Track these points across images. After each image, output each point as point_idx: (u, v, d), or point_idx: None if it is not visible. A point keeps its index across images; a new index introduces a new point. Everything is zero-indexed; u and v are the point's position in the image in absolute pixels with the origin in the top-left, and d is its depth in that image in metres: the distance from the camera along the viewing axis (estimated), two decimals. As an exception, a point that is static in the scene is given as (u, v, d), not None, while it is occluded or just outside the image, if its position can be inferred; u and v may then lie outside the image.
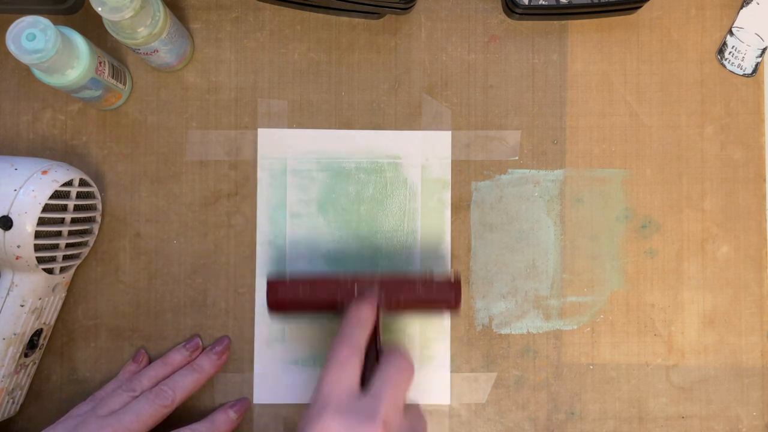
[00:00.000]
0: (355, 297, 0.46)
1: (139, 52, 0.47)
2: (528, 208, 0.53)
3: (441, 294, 0.47)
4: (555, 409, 0.52)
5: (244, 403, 0.51)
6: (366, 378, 0.41)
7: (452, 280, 0.48)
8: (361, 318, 0.44)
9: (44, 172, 0.45)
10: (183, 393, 0.48)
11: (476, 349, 0.52)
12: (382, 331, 0.46)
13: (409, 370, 0.42)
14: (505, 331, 0.53)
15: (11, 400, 0.49)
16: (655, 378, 0.53)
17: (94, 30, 0.52)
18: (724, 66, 0.54)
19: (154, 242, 0.52)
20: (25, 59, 0.41)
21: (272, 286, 0.47)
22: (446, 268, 0.52)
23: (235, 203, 0.53)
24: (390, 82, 0.53)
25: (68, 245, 0.48)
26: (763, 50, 0.53)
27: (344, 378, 0.40)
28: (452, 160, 0.53)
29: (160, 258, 0.52)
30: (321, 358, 0.52)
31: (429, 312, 0.50)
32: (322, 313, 0.48)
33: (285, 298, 0.47)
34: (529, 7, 0.50)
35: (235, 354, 0.52)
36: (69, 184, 0.47)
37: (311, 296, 0.47)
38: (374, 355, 0.44)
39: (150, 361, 0.51)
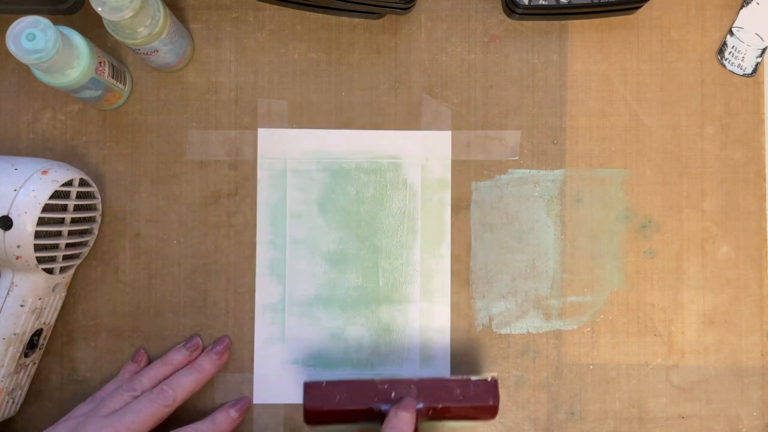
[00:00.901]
0: (392, 401, 0.46)
1: (139, 52, 0.47)
2: (528, 208, 0.53)
3: (479, 396, 0.47)
4: (555, 409, 0.52)
5: (245, 402, 0.51)
6: None
7: (489, 380, 0.47)
8: (402, 424, 0.43)
9: (44, 172, 0.45)
10: (184, 393, 0.48)
11: (476, 349, 0.52)
12: None
13: None
14: (505, 331, 0.53)
15: (11, 400, 0.49)
16: (655, 378, 0.53)
17: (94, 30, 0.52)
18: (724, 66, 0.54)
19: (154, 242, 0.52)
20: (25, 59, 0.41)
21: (309, 388, 0.47)
22: (446, 266, 0.52)
23: (235, 203, 0.53)
24: (390, 82, 0.53)
25: (68, 245, 0.48)
26: (763, 50, 0.53)
27: None
28: (452, 160, 0.53)
29: (160, 258, 0.52)
30: (321, 358, 0.52)
31: (467, 417, 0.48)
32: (358, 420, 0.47)
33: (322, 402, 0.46)
34: (529, 7, 0.50)
35: (235, 354, 0.52)
36: (69, 184, 0.47)
37: (347, 400, 0.46)
38: None
39: (150, 361, 0.51)
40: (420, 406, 0.46)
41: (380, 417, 0.46)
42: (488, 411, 0.47)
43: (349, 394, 0.46)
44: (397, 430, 0.43)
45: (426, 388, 0.47)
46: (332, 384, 0.47)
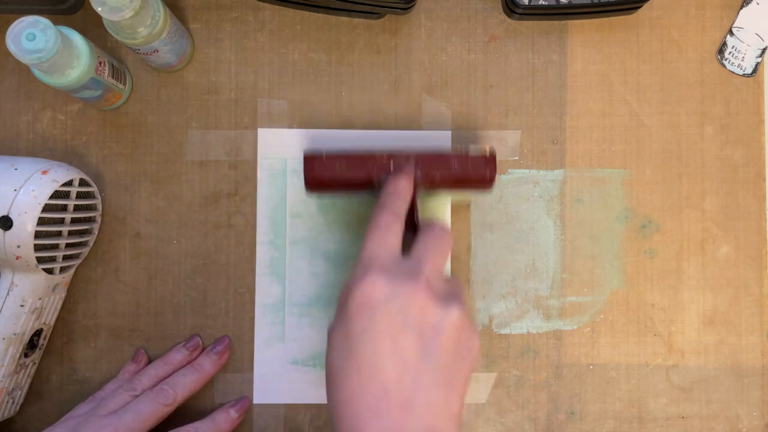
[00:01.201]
0: (392, 172, 0.47)
1: (139, 52, 0.47)
2: (528, 208, 0.53)
3: (476, 168, 0.47)
4: (555, 409, 0.52)
5: (245, 401, 0.51)
6: (404, 249, 0.42)
7: (488, 154, 0.48)
8: (400, 189, 0.44)
9: (44, 172, 0.45)
10: (184, 392, 0.48)
11: (476, 349, 0.52)
12: (419, 205, 0.46)
13: (448, 239, 0.43)
14: (505, 331, 0.53)
15: (11, 400, 0.49)
16: (655, 378, 0.53)
17: (94, 30, 0.52)
18: (724, 66, 0.54)
19: (154, 242, 0.52)
20: (25, 59, 0.41)
21: (308, 160, 0.47)
22: (446, 266, 0.52)
23: (235, 203, 0.53)
24: (390, 82, 0.53)
25: (68, 245, 0.48)
26: (763, 50, 0.53)
27: (387, 241, 0.41)
28: (452, 160, 0.53)
29: (160, 258, 0.52)
30: (321, 358, 0.52)
31: (465, 188, 0.49)
32: (357, 191, 0.48)
33: (322, 173, 0.47)
34: (529, 7, 0.50)
35: (235, 354, 0.52)
36: (69, 184, 0.47)
37: (347, 171, 0.47)
38: (412, 228, 0.44)
39: (150, 361, 0.51)
40: (418, 175, 0.47)
41: (380, 187, 0.46)
42: (485, 182, 0.48)
43: (348, 165, 0.47)
44: (395, 193, 0.44)
45: (425, 160, 0.47)
46: (332, 156, 0.47)
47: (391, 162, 0.47)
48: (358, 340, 0.38)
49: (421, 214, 0.49)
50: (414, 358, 0.37)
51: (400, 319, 0.38)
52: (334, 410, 0.38)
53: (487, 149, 0.48)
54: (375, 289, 0.38)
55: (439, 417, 0.37)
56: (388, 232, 0.41)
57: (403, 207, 0.43)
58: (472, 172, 0.47)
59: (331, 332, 0.40)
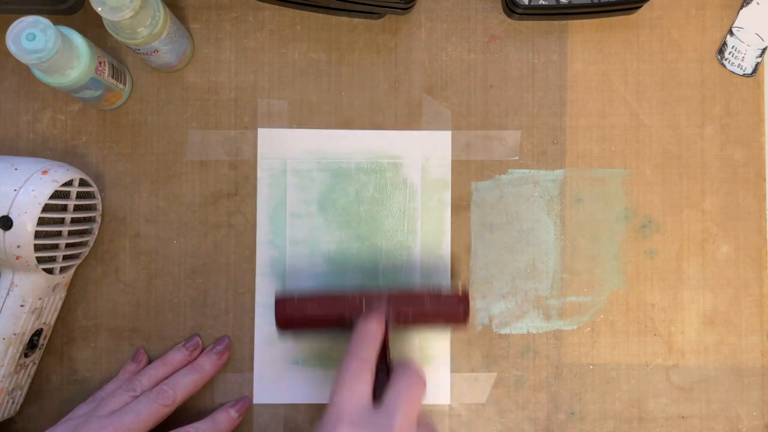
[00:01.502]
0: (363, 312, 0.46)
1: (139, 52, 0.47)
2: (528, 208, 0.53)
3: (449, 308, 0.47)
4: (555, 409, 0.52)
5: (245, 401, 0.51)
6: (377, 393, 0.41)
7: (460, 293, 0.48)
8: (370, 332, 0.44)
9: (44, 172, 0.45)
10: (184, 393, 0.48)
11: (476, 349, 0.52)
12: (391, 345, 0.46)
13: (421, 384, 0.41)
14: (505, 331, 0.53)
15: (11, 401, 0.49)
16: (655, 378, 0.53)
17: (94, 30, 0.52)
18: (724, 66, 0.54)
19: (154, 242, 0.52)
20: (25, 59, 0.41)
21: (280, 304, 0.47)
22: (446, 266, 0.52)
23: (235, 203, 0.53)
24: (390, 82, 0.53)
25: (68, 245, 0.48)
26: (763, 50, 0.53)
27: (357, 392, 0.40)
28: (452, 160, 0.53)
29: (160, 258, 0.52)
30: (321, 358, 0.52)
31: (437, 326, 0.50)
32: (330, 330, 0.48)
33: (293, 315, 0.47)
34: (529, 7, 0.50)
35: (235, 354, 0.52)
36: (69, 184, 0.47)
37: (319, 312, 0.47)
38: (385, 370, 0.44)
39: (150, 361, 0.51)
40: (391, 314, 0.47)
41: (351, 327, 0.46)
42: (458, 320, 0.48)
43: (320, 306, 0.47)
44: (366, 338, 0.43)
45: (397, 298, 0.47)
46: (304, 299, 0.47)
47: (363, 301, 0.47)
48: None
49: (393, 353, 0.49)
50: None
51: None
52: None
53: (460, 287, 0.48)
54: None
55: None
56: (358, 381, 0.40)
57: (373, 351, 0.43)
58: (445, 310, 0.47)
59: None
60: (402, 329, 0.48)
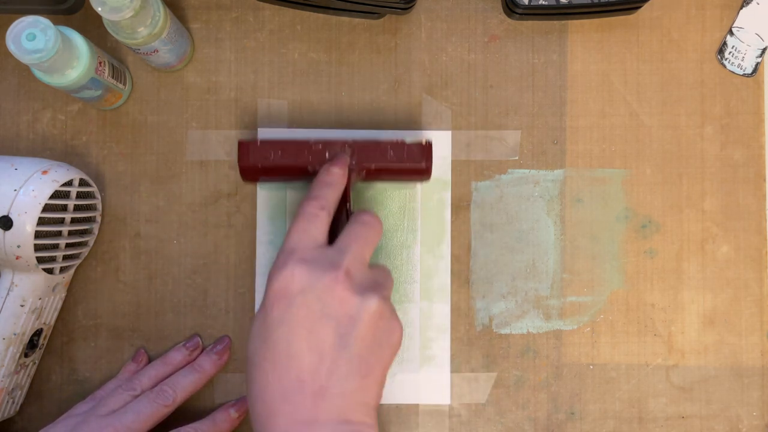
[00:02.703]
0: (327, 160, 0.47)
1: (139, 52, 0.47)
2: (528, 208, 0.53)
3: (412, 157, 0.48)
4: (555, 409, 0.52)
5: (245, 402, 0.51)
6: (334, 239, 0.42)
7: (424, 143, 0.48)
8: (331, 177, 0.44)
9: (44, 172, 0.45)
10: (184, 393, 0.48)
11: (476, 349, 0.52)
12: (352, 195, 0.46)
13: (376, 226, 0.42)
14: (505, 331, 0.53)
15: (11, 400, 0.49)
16: (655, 378, 0.53)
17: (94, 30, 0.52)
18: (724, 66, 0.54)
19: (154, 242, 0.52)
20: (25, 59, 0.41)
21: (243, 147, 0.47)
22: (446, 266, 0.52)
23: (235, 203, 0.53)
24: (390, 82, 0.53)
25: (68, 245, 0.48)
26: (763, 50, 0.53)
27: (311, 230, 0.41)
28: (452, 160, 0.53)
29: (160, 258, 0.52)
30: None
31: (401, 178, 0.50)
32: (293, 179, 0.48)
33: (256, 161, 0.47)
34: (529, 7, 0.50)
35: (235, 354, 0.52)
36: (69, 184, 0.47)
37: (282, 159, 0.47)
38: (345, 218, 0.44)
39: (150, 360, 0.51)
40: (353, 164, 0.47)
41: (314, 176, 0.46)
42: (420, 172, 0.48)
43: (283, 153, 0.47)
44: (326, 183, 0.44)
45: (360, 148, 0.47)
46: (266, 143, 0.47)
47: (327, 150, 0.47)
48: (275, 329, 0.38)
49: (355, 204, 0.49)
50: (330, 348, 0.38)
51: (317, 309, 0.38)
52: (249, 397, 0.39)
53: (423, 140, 0.48)
54: (293, 278, 0.38)
55: (352, 406, 0.37)
56: (314, 221, 0.41)
57: (333, 196, 0.43)
58: (408, 160, 0.48)
59: (253, 320, 0.40)
60: (366, 184, 0.49)
